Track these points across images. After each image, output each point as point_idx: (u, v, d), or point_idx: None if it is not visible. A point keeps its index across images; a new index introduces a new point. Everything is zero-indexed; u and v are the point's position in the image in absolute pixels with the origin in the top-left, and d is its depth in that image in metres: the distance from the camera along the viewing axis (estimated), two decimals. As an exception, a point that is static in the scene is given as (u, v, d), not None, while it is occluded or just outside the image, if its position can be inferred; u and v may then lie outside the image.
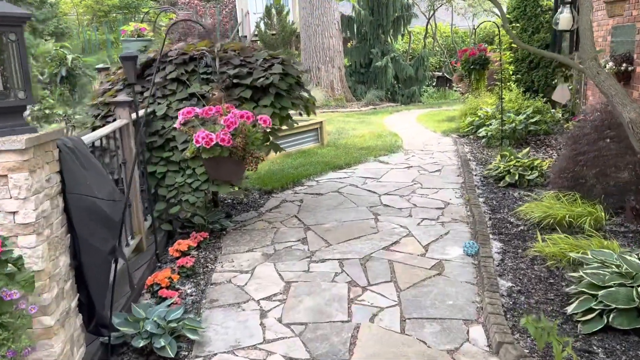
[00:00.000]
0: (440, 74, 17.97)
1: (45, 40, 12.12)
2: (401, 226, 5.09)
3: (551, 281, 3.72)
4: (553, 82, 9.98)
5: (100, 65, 6.43)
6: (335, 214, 5.57)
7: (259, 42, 17.67)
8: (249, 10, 19.53)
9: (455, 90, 17.86)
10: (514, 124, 8.44)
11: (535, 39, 9.98)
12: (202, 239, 4.62)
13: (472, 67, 7.98)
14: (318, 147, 9.30)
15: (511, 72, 7.74)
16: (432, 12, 18.38)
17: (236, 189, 6.56)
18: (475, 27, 7.68)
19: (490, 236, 4.61)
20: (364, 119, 12.93)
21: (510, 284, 3.71)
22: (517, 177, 6.14)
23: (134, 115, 4.10)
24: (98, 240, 2.68)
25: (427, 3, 18.05)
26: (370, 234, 4.90)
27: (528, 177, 6.13)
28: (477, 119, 9.60)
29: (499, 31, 7.58)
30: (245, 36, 19.59)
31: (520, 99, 9.57)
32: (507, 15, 10.59)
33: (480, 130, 9.15)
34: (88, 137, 3.28)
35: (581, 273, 3.34)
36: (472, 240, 4.50)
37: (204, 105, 5.04)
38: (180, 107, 4.90)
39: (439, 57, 19.69)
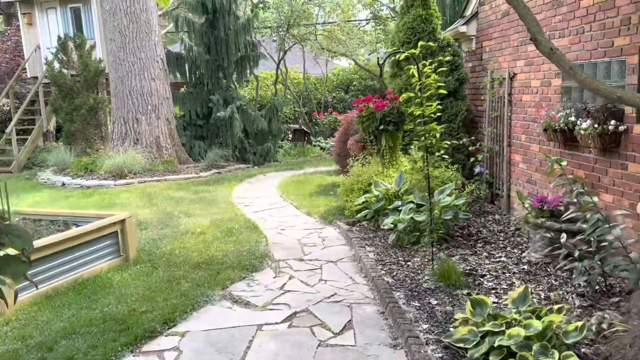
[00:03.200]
0: (297, 126, 14.97)
1: None
2: None
3: None
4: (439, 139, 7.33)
5: None
6: None
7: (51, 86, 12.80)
8: (40, 44, 14.50)
9: (315, 145, 15.01)
10: (437, 211, 5.37)
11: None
12: None
13: (380, 127, 4.70)
14: (118, 266, 5.16)
15: (438, 135, 4.67)
16: (282, 54, 15.49)
17: None
18: (382, 62, 4.41)
19: None
20: (205, 193, 9.03)
21: None
22: (535, 368, 2.83)
23: None
24: None
25: (278, 42, 15.07)
26: None
27: (557, 368, 2.86)
28: (373, 198, 6.42)
29: (418, 68, 4.48)
30: (36, 77, 14.47)
31: (420, 164, 6.65)
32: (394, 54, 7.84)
33: (385, 219, 5.94)
34: None
35: None
36: None
37: None
38: None
39: (293, 107, 16.80)
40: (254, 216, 7.35)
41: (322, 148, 14.95)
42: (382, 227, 6.04)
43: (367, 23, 17.94)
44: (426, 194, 5.02)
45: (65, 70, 13.29)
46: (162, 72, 11.91)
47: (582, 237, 4.10)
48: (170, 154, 11.77)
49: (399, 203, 6.09)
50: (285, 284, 4.73)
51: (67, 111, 12.76)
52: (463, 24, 7.78)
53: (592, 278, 3.98)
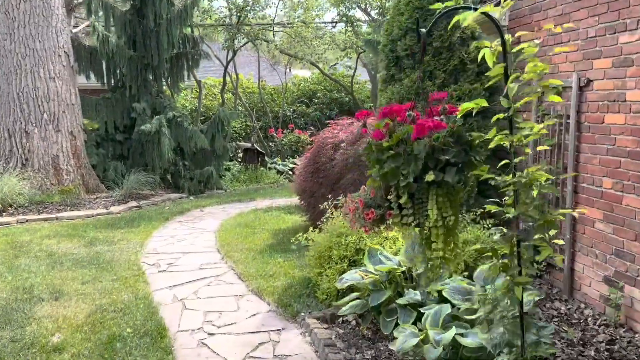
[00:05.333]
0: (249, 145, 12.19)
1: None
2: None
3: None
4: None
5: None
6: None
7: None
8: None
9: (271, 168, 12.28)
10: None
11: (451, 89, 4.81)
12: None
13: (427, 176, 2.10)
14: None
15: (537, 191, 2.11)
16: (231, 54, 12.74)
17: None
18: (430, 25, 1.77)
19: None
20: (104, 245, 6.09)
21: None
22: None
23: None
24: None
25: (225, 38, 12.29)
26: None
27: None
28: (369, 282, 3.75)
29: (504, 44, 1.90)
30: None
31: (504, 251, 4.06)
32: (387, 43, 5.29)
33: (395, 328, 3.28)
34: None
35: None
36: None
37: None
38: None
39: (245, 121, 14.02)
40: (168, 297, 4.52)
41: (279, 172, 12.24)
42: (388, 338, 3.37)
43: (334, 26, 15.53)
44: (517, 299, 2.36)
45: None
46: (67, 70, 8.90)
47: None
48: (73, 179, 8.72)
49: (418, 296, 3.46)
50: None
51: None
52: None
53: None
